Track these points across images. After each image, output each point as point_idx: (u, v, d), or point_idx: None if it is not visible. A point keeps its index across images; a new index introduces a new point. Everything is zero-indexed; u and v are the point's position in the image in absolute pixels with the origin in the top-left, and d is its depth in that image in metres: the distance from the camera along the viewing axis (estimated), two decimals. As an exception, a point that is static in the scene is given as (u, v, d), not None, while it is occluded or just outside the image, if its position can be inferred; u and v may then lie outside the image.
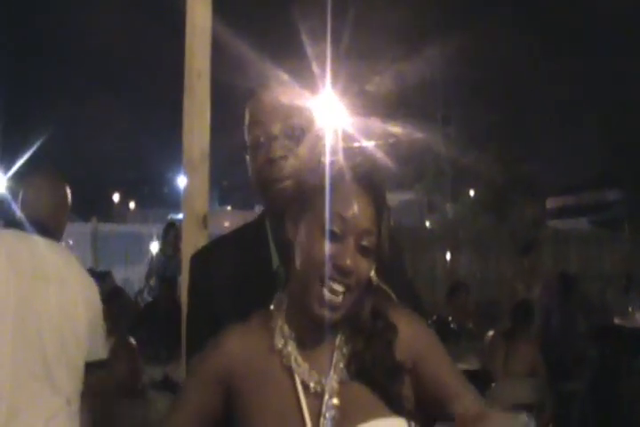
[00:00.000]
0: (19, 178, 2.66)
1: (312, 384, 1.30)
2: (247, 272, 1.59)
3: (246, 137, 1.63)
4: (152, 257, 8.05)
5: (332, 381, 1.30)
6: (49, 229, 2.52)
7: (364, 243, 1.30)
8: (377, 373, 1.31)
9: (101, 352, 2.48)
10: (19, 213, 2.56)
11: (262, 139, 1.58)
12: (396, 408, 1.30)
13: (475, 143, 17.43)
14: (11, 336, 2.26)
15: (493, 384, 4.61)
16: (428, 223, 12.08)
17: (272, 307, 1.38)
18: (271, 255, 1.62)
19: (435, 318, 5.99)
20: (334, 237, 1.28)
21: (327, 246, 1.28)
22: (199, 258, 1.73)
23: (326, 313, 1.29)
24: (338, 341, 1.34)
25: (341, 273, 1.28)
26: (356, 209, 1.30)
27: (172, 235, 7.24)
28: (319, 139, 1.59)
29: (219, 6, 2.49)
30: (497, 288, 9.59)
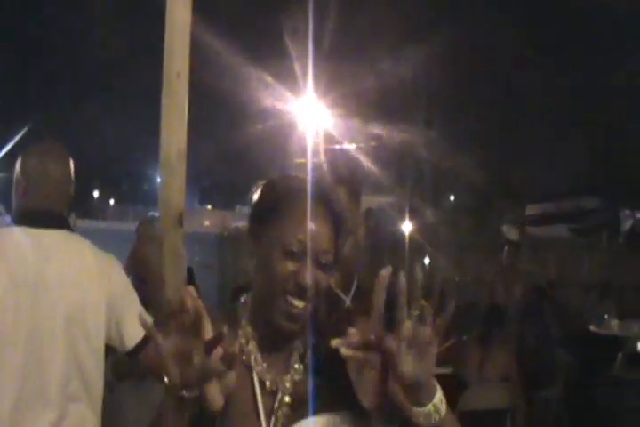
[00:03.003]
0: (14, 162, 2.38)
1: (268, 383, 1.37)
2: None
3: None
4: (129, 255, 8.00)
5: (286, 380, 1.38)
6: (61, 217, 2.42)
7: (323, 261, 1.37)
8: (331, 365, 1.34)
9: (138, 334, 2.36)
10: (21, 202, 2.40)
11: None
12: (349, 402, 1.32)
13: (456, 147, 17.49)
14: (21, 359, 2.22)
15: (467, 389, 4.62)
16: (407, 227, 12.11)
17: (239, 309, 1.45)
18: None
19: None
20: (293, 255, 1.35)
21: (289, 265, 1.35)
22: None
23: (287, 324, 1.36)
24: (296, 343, 1.42)
25: (302, 290, 1.34)
26: (314, 230, 1.36)
27: (141, 230, 7.19)
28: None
29: (199, 6, 2.48)
30: (476, 292, 9.64)
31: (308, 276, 1.34)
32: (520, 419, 4.57)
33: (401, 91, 16.87)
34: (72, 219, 11.86)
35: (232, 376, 1.16)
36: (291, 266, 1.35)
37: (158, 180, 2.47)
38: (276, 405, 1.36)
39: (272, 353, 1.41)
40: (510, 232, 13.67)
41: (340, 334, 1.31)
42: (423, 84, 18.01)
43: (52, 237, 2.34)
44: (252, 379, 1.37)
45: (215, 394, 1.15)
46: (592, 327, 7.69)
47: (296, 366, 1.40)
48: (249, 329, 1.41)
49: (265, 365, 1.39)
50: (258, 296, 1.42)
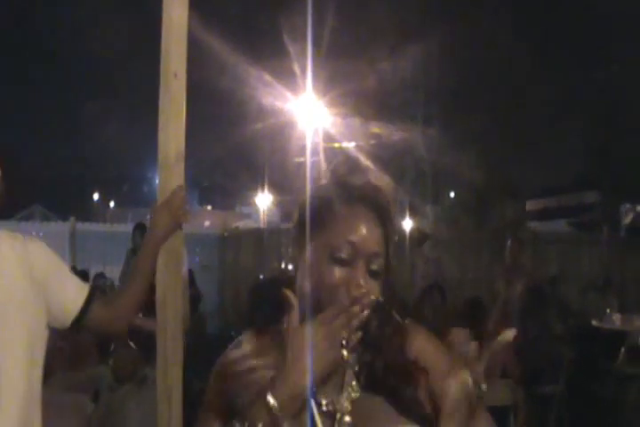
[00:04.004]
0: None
1: (324, 402, 1.30)
2: None
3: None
4: (126, 258, 8.02)
5: (344, 399, 1.30)
6: None
7: (373, 267, 1.31)
8: (389, 379, 1.30)
9: (77, 304, 2.28)
10: None
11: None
12: (412, 416, 1.29)
13: (456, 144, 17.48)
14: None
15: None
16: (408, 225, 12.13)
17: (285, 325, 1.36)
18: None
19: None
20: (344, 262, 1.30)
21: (338, 272, 1.30)
22: None
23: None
24: (350, 359, 1.33)
25: (356, 297, 1.28)
26: (365, 232, 1.31)
27: (137, 235, 7.21)
28: None
29: (197, 5, 2.47)
30: (477, 289, 9.64)
31: (362, 282, 1.29)
32: (522, 415, 4.57)
33: (400, 89, 16.86)
34: (72, 222, 11.83)
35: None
36: (340, 272, 1.30)
37: (157, 181, 2.46)
38: (336, 426, 1.29)
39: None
40: (512, 229, 13.67)
41: (395, 348, 1.31)
42: (422, 82, 18.00)
43: None
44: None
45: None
46: (594, 322, 7.70)
47: (353, 383, 1.32)
48: None
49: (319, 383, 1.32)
50: (311, 305, 1.33)
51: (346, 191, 1.34)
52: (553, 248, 12.27)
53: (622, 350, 6.74)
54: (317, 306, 1.30)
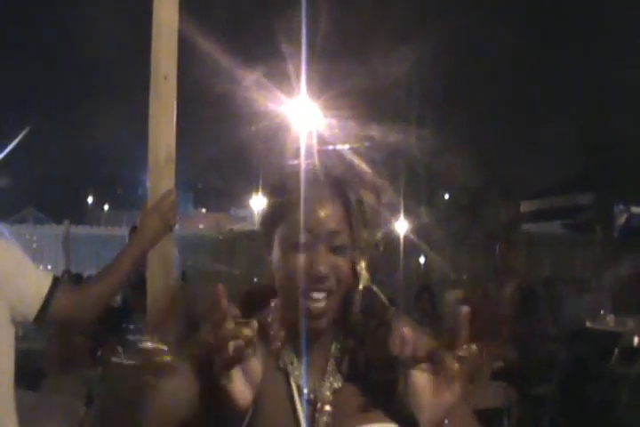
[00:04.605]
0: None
1: (306, 391, 1.31)
2: None
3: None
4: None
5: (326, 389, 1.31)
6: None
7: (336, 243, 1.29)
8: (370, 373, 1.31)
9: (39, 296, 2.24)
10: None
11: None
12: (391, 411, 1.29)
13: (450, 146, 17.51)
14: None
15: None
16: (402, 226, 12.16)
17: (270, 317, 1.37)
18: None
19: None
20: (303, 247, 1.28)
21: (298, 258, 1.28)
22: None
23: (313, 322, 1.29)
24: (333, 348, 1.35)
25: (318, 281, 1.27)
26: (320, 213, 1.29)
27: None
28: None
29: (187, 7, 2.47)
30: (471, 290, 9.64)
31: (322, 263, 1.27)
32: (515, 416, 4.56)
33: (393, 91, 16.89)
34: (66, 225, 11.82)
35: (255, 364, 1.14)
36: (303, 258, 1.28)
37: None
38: (317, 414, 1.29)
39: (309, 357, 1.33)
40: (505, 230, 13.70)
41: (378, 342, 1.30)
42: (415, 83, 18.03)
43: None
44: (289, 385, 1.31)
45: (241, 386, 1.13)
46: (587, 323, 7.71)
47: (334, 372, 1.33)
48: (282, 333, 1.34)
49: (302, 370, 1.33)
50: (281, 299, 1.35)
51: (299, 176, 1.32)
52: (547, 249, 12.32)
53: (616, 351, 6.75)
54: (289, 297, 1.30)
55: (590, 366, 6.32)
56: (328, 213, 1.30)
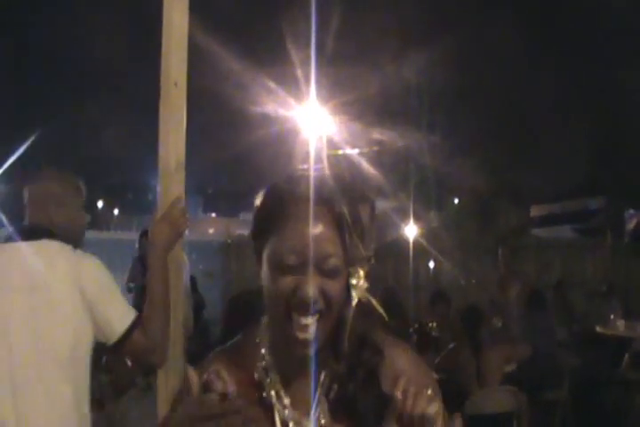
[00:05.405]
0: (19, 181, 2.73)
1: (291, 424, 1.24)
2: None
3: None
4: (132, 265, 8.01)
5: (312, 424, 1.24)
6: (42, 230, 2.52)
7: (327, 267, 1.20)
8: (360, 406, 1.24)
9: (122, 325, 2.43)
10: (26, 220, 2.58)
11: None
12: None
13: (459, 151, 17.47)
14: None
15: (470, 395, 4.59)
16: (412, 231, 12.12)
17: (257, 340, 1.32)
18: None
19: (416, 326, 5.99)
20: (291, 269, 1.20)
21: (285, 281, 1.20)
22: None
23: (300, 350, 1.21)
24: (322, 377, 1.27)
25: (306, 305, 1.19)
26: (310, 234, 1.20)
27: (143, 243, 7.17)
28: None
29: (200, 13, 2.48)
30: (480, 295, 9.62)
31: (311, 286, 1.19)
32: (525, 421, 4.54)
33: (403, 95, 16.88)
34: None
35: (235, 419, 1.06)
36: (290, 281, 1.19)
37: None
38: None
39: (295, 386, 1.26)
40: (515, 236, 13.67)
41: (369, 376, 1.25)
42: (425, 88, 18.02)
43: (22, 248, 2.46)
44: (272, 421, 1.24)
45: None
46: (598, 328, 7.68)
47: (321, 402, 1.25)
48: (269, 359, 1.27)
49: (288, 401, 1.25)
50: (269, 321, 1.29)
51: (293, 189, 1.24)
52: (557, 254, 12.27)
53: (626, 356, 6.73)
54: (277, 320, 1.24)
55: (601, 370, 6.29)
56: (320, 234, 1.20)
